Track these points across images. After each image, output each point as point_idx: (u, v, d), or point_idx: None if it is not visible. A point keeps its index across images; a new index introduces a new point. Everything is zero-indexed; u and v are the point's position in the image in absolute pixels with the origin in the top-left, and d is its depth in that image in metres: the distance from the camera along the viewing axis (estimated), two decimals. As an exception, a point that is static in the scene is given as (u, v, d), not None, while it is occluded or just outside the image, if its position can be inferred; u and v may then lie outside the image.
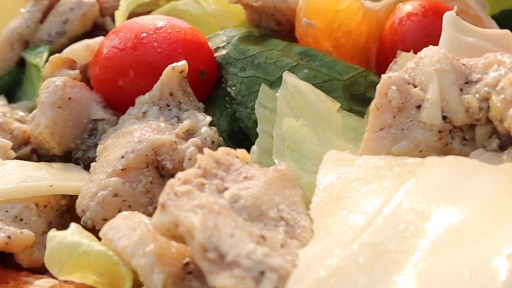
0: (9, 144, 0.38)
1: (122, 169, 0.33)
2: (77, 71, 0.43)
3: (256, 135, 0.37)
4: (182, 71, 0.37)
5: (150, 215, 0.32)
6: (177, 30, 0.39)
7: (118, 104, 0.40)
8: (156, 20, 0.40)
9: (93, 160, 0.39)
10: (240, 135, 0.38)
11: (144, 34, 0.39)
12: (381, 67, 0.41)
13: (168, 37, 0.39)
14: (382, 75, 0.33)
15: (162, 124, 0.35)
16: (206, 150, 0.29)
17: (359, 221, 0.27)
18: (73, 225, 0.29)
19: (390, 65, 0.38)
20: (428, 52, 0.33)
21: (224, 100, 0.39)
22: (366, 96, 0.40)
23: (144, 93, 0.38)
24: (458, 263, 0.23)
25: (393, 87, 0.32)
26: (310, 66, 0.39)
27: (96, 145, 0.39)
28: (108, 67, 0.39)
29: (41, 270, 0.32)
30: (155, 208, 0.33)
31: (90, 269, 0.29)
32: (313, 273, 0.24)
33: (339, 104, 0.37)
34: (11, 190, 0.33)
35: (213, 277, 0.24)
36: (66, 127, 0.38)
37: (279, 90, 0.36)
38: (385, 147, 0.32)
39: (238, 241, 0.24)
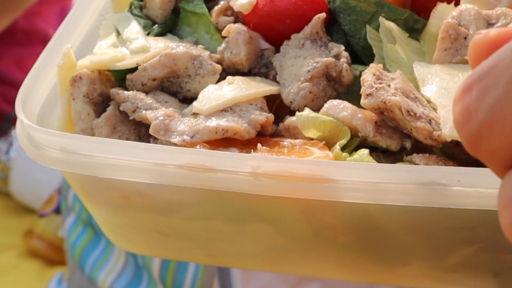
0: (220, 67, 0.63)
1: (310, 78, 0.59)
2: (232, 18, 0.67)
3: (363, 55, 0.64)
4: (323, 19, 0.63)
5: (325, 101, 0.59)
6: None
7: (271, 40, 0.65)
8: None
9: (259, 73, 0.64)
10: (351, 54, 0.65)
11: (292, -5, 0.64)
12: (417, 10, 0.69)
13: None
14: (445, 21, 0.61)
15: (318, 52, 0.62)
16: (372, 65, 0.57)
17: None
18: (307, 109, 0.56)
19: (433, 10, 0.66)
20: (465, 7, 0.61)
21: (341, 34, 0.66)
22: (413, 27, 0.68)
23: (290, 33, 0.64)
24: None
25: (451, 28, 0.60)
26: (382, 11, 0.67)
27: (264, 65, 0.65)
28: (268, 16, 0.64)
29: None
30: (325, 99, 0.60)
31: (321, 130, 0.55)
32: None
33: (407, 34, 0.65)
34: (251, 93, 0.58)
35: (413, 123, 0.52)
36: (253, 55, 0.63)
37: (379, 29, 0.63)
38: (447, 60, 0.61)
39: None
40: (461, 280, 0.59)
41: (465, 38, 0.61)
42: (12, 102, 1.43)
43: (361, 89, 0.55)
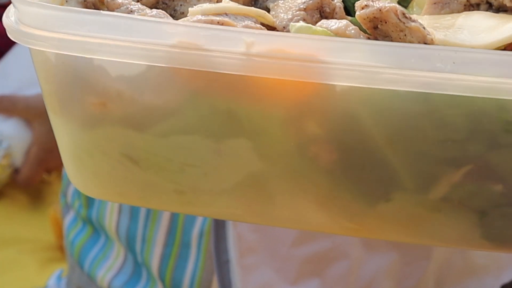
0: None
1: (304, 8, 0.60)
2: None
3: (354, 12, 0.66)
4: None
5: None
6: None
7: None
8: None
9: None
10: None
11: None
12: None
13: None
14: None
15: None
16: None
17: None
18: (301, 21, 0.56)
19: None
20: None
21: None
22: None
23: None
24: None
25: (440, -15, 0.63)
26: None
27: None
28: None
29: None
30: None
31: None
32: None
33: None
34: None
35: (408, 24, 0.52)
36: (248, -6, 0.65)
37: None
38: (436, 12, 0.63)
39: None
40: (445, 223, 0.57)
41: (454, -7, 0.64)
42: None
43: (356, 3, 0.56)
